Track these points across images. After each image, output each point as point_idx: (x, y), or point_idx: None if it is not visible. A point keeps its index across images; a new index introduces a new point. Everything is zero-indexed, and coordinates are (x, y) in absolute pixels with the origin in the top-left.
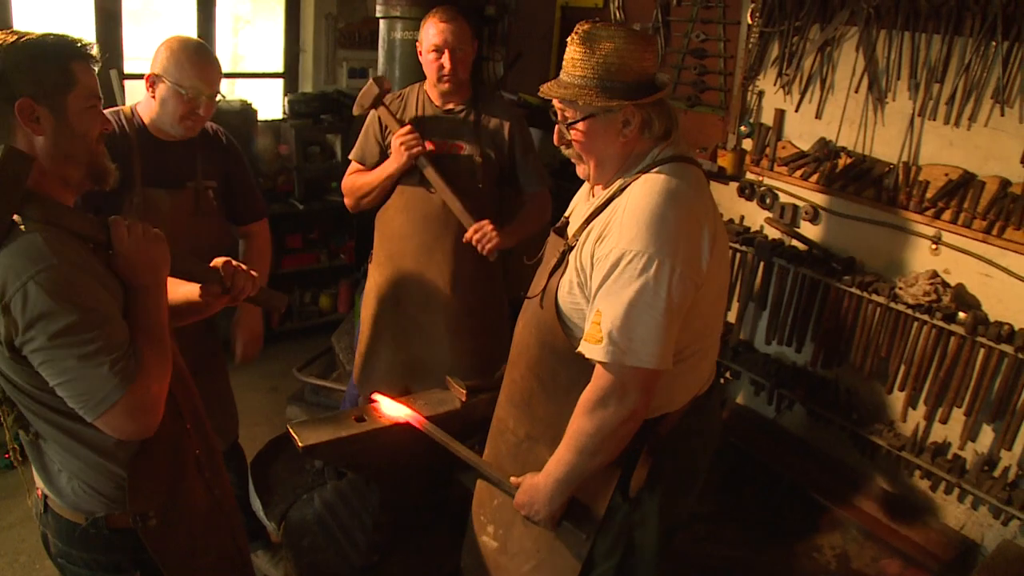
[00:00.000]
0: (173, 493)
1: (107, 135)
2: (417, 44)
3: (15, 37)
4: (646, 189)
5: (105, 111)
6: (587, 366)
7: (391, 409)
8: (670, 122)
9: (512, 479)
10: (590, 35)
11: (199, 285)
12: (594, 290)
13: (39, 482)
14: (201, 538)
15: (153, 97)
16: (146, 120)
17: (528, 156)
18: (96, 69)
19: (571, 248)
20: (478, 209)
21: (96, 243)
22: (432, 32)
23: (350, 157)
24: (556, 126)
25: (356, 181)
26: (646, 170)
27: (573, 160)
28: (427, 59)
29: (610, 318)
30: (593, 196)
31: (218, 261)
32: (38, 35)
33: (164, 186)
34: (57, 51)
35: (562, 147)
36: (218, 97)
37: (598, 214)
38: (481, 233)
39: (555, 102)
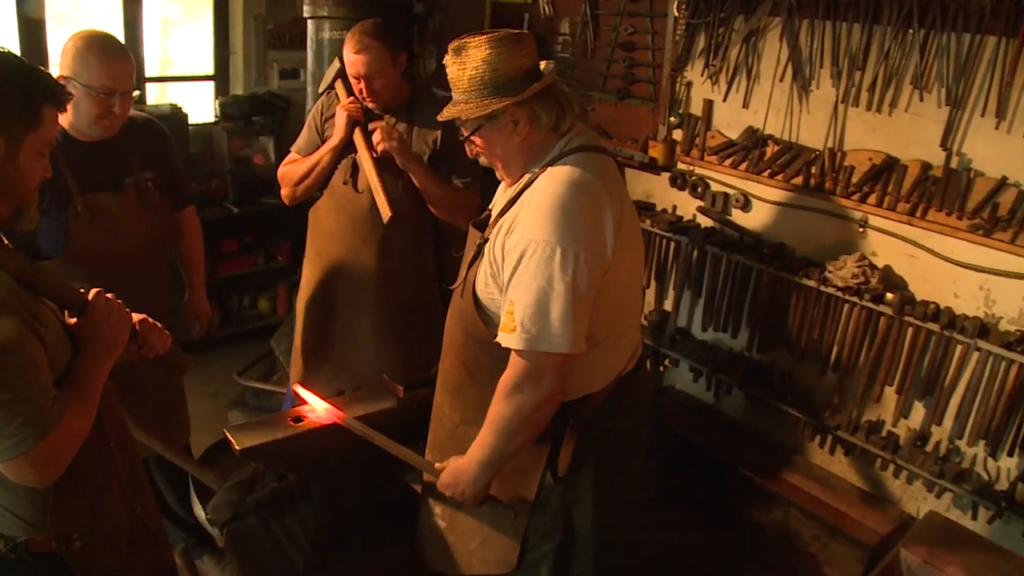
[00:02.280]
0: (96, 513)
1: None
2: None
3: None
4: (550, 181)
5: None
6: (506, 352)
7: (314, 404)
8: (561, 110)
9: (436, 464)
10: (459, 51)
11: None
12: (506, 281)
13: None
14: (126, 557)
15: None
16: (65, 125)
17: (459, 155)
18: (62, 112)
19: (487, 240)
20: (410, 209)
21: (65, 305)
22: (348, 60)
23: (291, 148)
24: (465, 142)
25: (294, 168)
26: (552, 162)
27: (491, 166)
28: (351, 80)
29: (521, 307)
30: (507, 190)
31: (135, 317)
32: (21, 63)
33: (104, 188)
34: (35, 87)
35: (476, 159)
36: (135, 92)
37: (509, 208)
38: (388, 129)
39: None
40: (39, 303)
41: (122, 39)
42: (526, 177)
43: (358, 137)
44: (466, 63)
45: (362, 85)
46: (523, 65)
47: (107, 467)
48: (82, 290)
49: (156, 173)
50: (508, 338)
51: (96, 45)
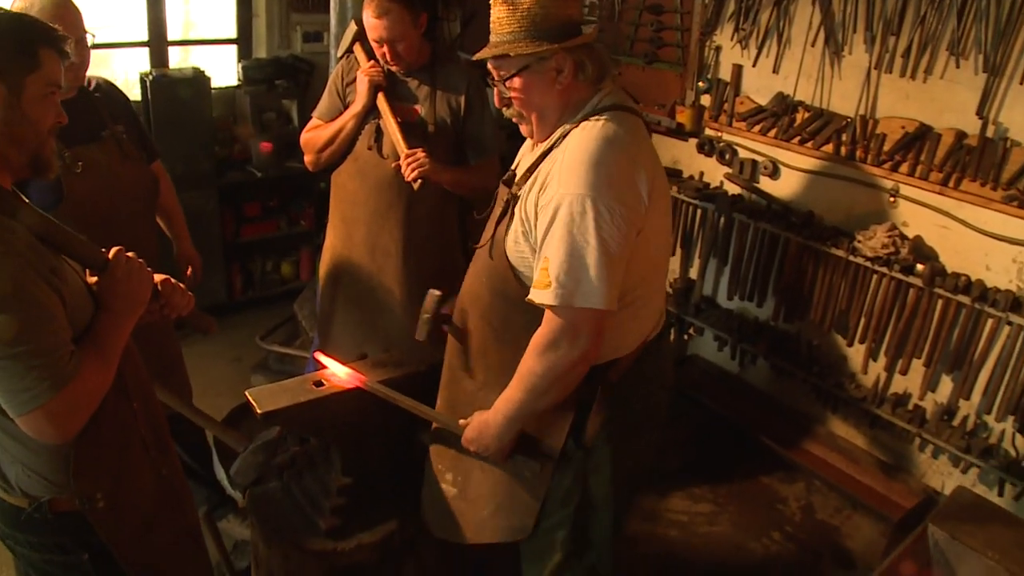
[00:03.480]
0: (120, 474)
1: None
2: None
3: None
4: (584, 136)
5: None
6: (539, 312)
7: (335, 370)
8: (603, 65)
9: (460, 421)
10: None
11: None
12: (540, 238)
13: None
14: (151, 518)
15: None
16: None
17: (482, 123)
18: (65, 62)
19: (516, 198)
20: None
21: (86, 263)
22: (369, 24)
23: (312, 114)
24: (495, 88)
25: (317, 135)
26: (585, 118)
27: (515, 120)
28: (372, 44)
29: (556, 262)
30: (536, 147)
31: (158, 278)
32: (10, 12)
33: (85, 141)
34: (26, 31)
35: (503, 108)
36: (89, 38)
37: (540, 163)
38: (412, 158)
39: (489, 64)
40: (59, 259)
41: (144, 2)
42: (557, 133)
43: (381, 102)
44: (518, 4)
45: (384, 49)
46: (572, 14)
47: (130, 428)
48: (103, 249)
49: (125, 127)
50: (542, 294)
51: (37, 2)
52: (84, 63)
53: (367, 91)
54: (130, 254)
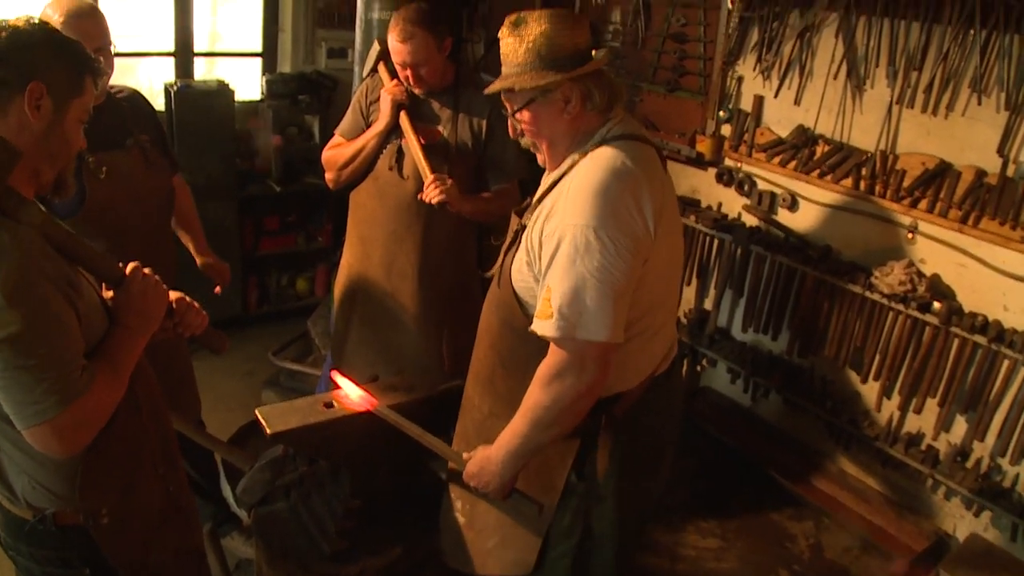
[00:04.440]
0: (127, 490)
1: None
2: None
3: (44, 24)
4: (591, 166)
5: None
6: (543, 343)
7: (347, 390)
8: (612, 93)
9: (464, 454)
10: (517, 24)
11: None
12: (543, 268)
13: None
14: (156, 535)
15: None
16: None
17: (504, 148)
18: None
19: (524, 227)
20: None
21: (103, 277)
22: (393, 48)
23: (335, 131)
24: (508, 120)
25: (339, 152)
26: (593, 148)
27: (532, 149)
28: (397, 67)
29: (559, 293)
30: (547, 176)
31: (173, 295)
32: (66, 37)
33: (109, 148)
34: (79, 56)
35: (519, 139)
36: (113, 47)
37: (548, 193)
38: (439, 180)
39: (502, 96)
40: (76, 272)
41: (172, 13)
42: (567, 163)
43: (404, 122)
44: (524, 36)
45: (408, 72)
46: (579, 43)
47: (141, 444)
48: (120, 263)
49: (149, 137)
50: (544, 325)
51: (62, 11)
52: (107, 71)
53: (390, 110)
54: (147, 270)
